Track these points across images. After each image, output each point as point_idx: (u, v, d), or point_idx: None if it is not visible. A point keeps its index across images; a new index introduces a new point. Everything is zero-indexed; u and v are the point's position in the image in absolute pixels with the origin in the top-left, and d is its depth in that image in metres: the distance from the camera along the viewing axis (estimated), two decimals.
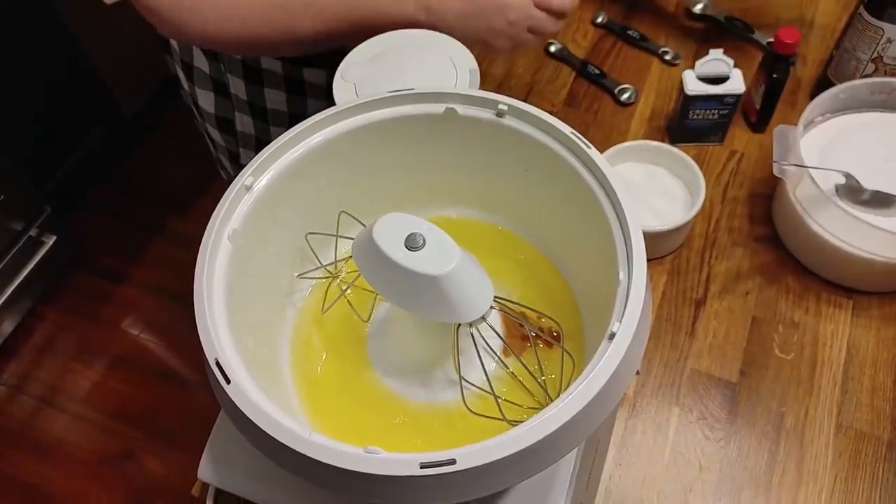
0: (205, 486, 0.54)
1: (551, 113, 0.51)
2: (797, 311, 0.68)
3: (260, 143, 0.87)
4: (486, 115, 0.53)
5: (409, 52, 0.67)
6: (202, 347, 0.41)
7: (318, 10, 0.63)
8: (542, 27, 0.64)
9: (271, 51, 0.68)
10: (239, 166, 0.92)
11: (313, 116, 0.53)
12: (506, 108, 0.51)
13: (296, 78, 0.77)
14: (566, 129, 0.49)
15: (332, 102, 0.79)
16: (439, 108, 0.53)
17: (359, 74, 0.65)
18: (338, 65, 0.75)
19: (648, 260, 0.43)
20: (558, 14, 0.64)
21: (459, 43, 0.68)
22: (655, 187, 0.73)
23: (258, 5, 0.63)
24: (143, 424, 1.43)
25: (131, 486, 1.37)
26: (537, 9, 0.64)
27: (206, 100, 0.86)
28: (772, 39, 0.74)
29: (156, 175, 1.77)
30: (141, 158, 1.79)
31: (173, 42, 0.83)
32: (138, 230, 1.69)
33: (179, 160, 1.73)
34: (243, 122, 0.85)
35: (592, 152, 0.48)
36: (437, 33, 0.70)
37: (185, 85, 0.87)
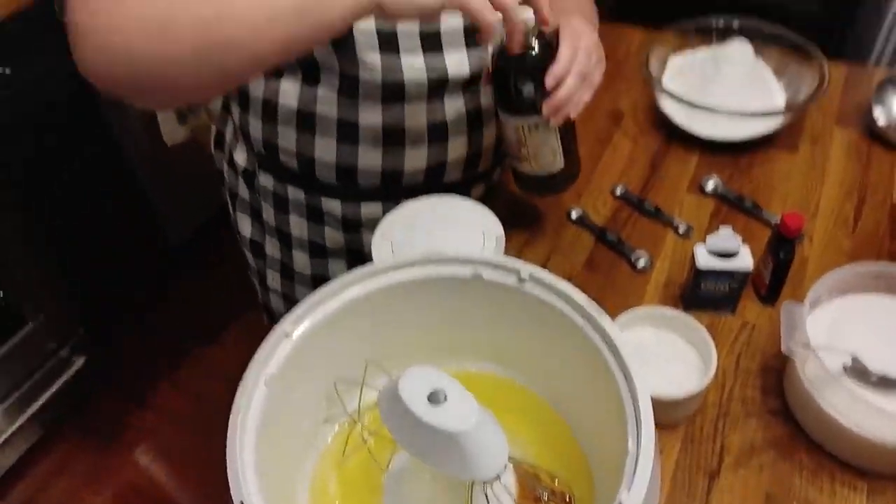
0: None
1: (571, 276, 0.56)
2: (811, 490, 0.67)
3: (284, 266, 0.94)
4: (510, 280, 0.57)
5: (443, 216, 0.74)
6: (229, 487, 0.44)
7: None
8: None
9: (201, 74, 0.56)
10: (265, 288, 0.99)
11: (352, 272, 0.58)
12: (528, 276, 0.56)
13: (315, 206, 0.85)
14: (582, 299, 0.54)
15: (346, 232, 0.87)
16: (467, 271, 0.58)
17: (396, 233, 0.72)
18: (353, 197, 0.83)
19: (662, 427, 0.45)
20: None
21: (489, 210, 0.75)
22: (669, 353, 0.76)
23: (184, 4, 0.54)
24: None
25: None
26: None
27: (244, 224, 0.95)
28: (779, 220, 0.80)
29: (190, 303, 1.84)
30: (178, 286, 1.88)
31: (226, 173, 0.94)
32: (166, 355, 1.73)
33: (214, 292, 1.81)
34: (272, 246, 0.93)
35: (607, 323, 0.52)
36: (468, 200, 0.77)
37: (231, 211, 0.97)
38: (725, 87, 1.04)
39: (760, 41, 1.09)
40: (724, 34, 1.11)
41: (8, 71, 1.35)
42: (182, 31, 0.54)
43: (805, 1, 2.05)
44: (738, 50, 1.08)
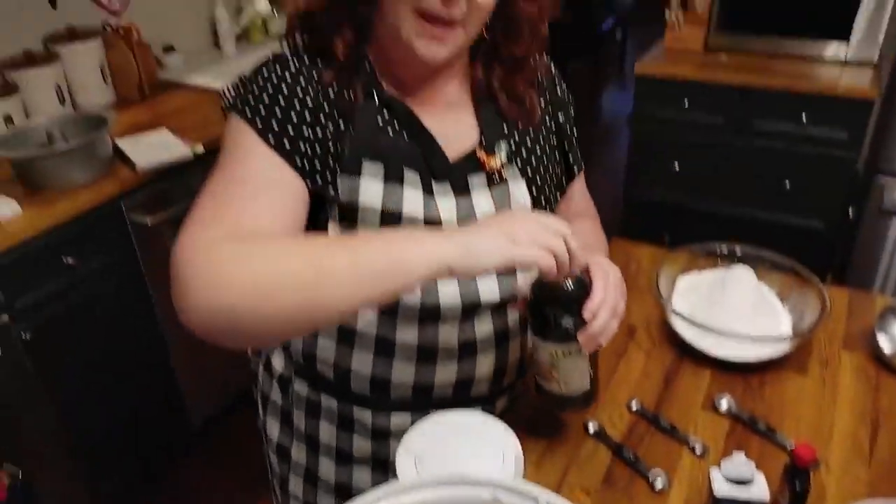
0: None
1: (590, 492, 0.56)
2: None
3: (308, 472, 0.95)
4: None
5: (465, 432, 0.78)
6: None
7: (354, 254, 0.63)
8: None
9: (292, 322, 0.64)
10: (286, 494, 1.00)
11: (376, 489, 0.60)
12: (545, 503, 0.58)
13: (347, 415, 0.89)
14: None
15: (374, 440, 0.90)
16: (486, 494, 0.61)
17: (419, 448, 0.75)
18: (384, 407, 0.87)
19: None
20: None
21: (509, 429, 0.79)
22: None
23: (289, 253, 0.63)
24: None
25: None
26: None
27: (273, 428, 0.98)
28: (793, 445, 0.81)
29: (202, 486, 1.81)
30: (192, 468, 1.86)
31: (261, 377, 0.99)
32: None
33: (227, 477, 1.79)
34: (298, 451, 0.95)
35: None
36: (490, 417, 0.81)
37: (261, 414, 1.01)
38: (732, 309, 1.11)
39: (762, 267, 1.18)
40: (728, 259, 1.20)
41: (71, 261, 1.48)
42: (285, 294, 0.61)
43: (808, 218, 2.20)
44: (743, 275, 1.16)
